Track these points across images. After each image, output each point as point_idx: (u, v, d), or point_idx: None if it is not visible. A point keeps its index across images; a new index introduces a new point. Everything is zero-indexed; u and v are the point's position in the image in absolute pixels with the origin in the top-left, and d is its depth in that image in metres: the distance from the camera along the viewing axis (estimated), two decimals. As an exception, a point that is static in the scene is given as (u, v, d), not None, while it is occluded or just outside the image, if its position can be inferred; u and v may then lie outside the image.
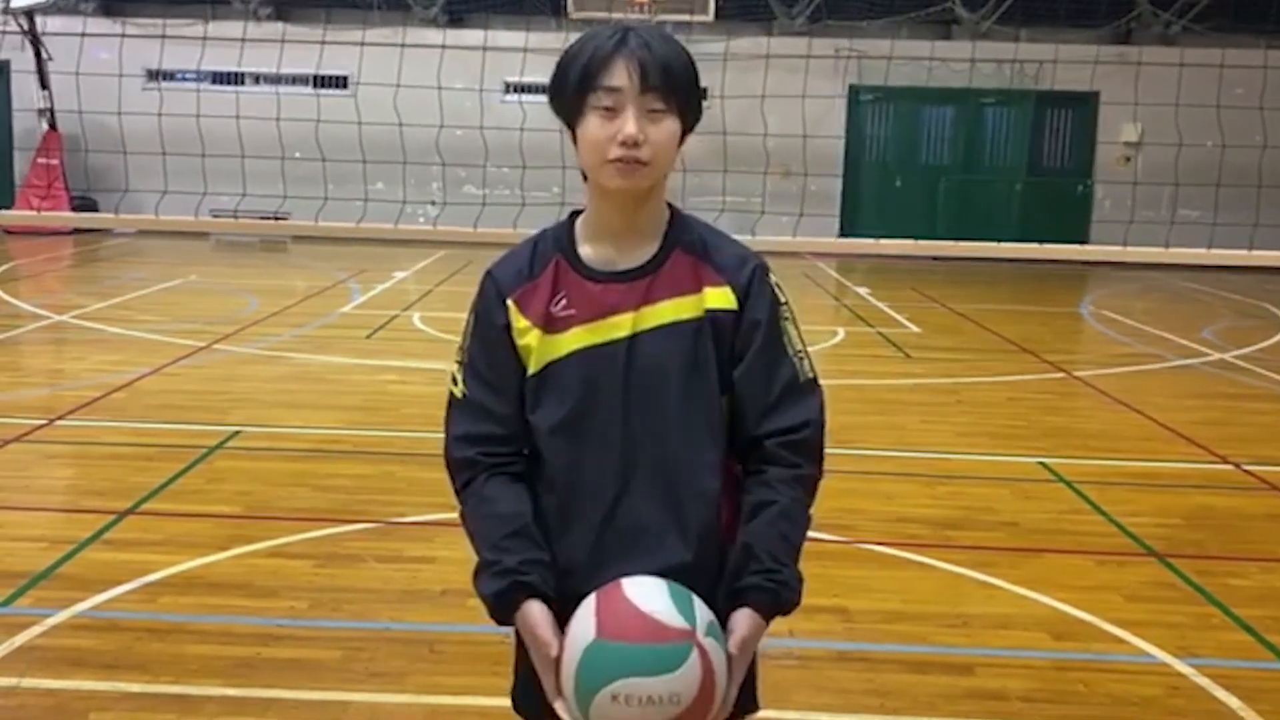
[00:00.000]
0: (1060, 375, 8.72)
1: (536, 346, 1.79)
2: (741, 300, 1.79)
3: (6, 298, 11.11)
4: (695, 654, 1.59)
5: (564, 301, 1.79)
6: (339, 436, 6.36)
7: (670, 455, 1.77)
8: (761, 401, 1.78)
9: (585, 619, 1.63)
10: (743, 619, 1.71)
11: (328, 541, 4.68)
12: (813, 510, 1.82)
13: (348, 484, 5.41)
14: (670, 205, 1.85)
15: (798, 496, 1.78)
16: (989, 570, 4.52)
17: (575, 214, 1.87)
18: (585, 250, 1.82)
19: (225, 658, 3.61)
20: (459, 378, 1.85)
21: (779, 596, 1.73)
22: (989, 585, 4.40)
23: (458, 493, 1.85)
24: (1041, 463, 6.16)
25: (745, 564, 1.73)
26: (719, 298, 1.78)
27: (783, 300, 1.83)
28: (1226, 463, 6.31)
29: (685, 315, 1.78)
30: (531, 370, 1.80)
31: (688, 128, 1.78)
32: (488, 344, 1.82)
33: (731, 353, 1.79)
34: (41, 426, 6.31)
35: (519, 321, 1.80)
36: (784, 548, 1.74)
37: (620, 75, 1.70)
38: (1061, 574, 4.55)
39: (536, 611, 1.70)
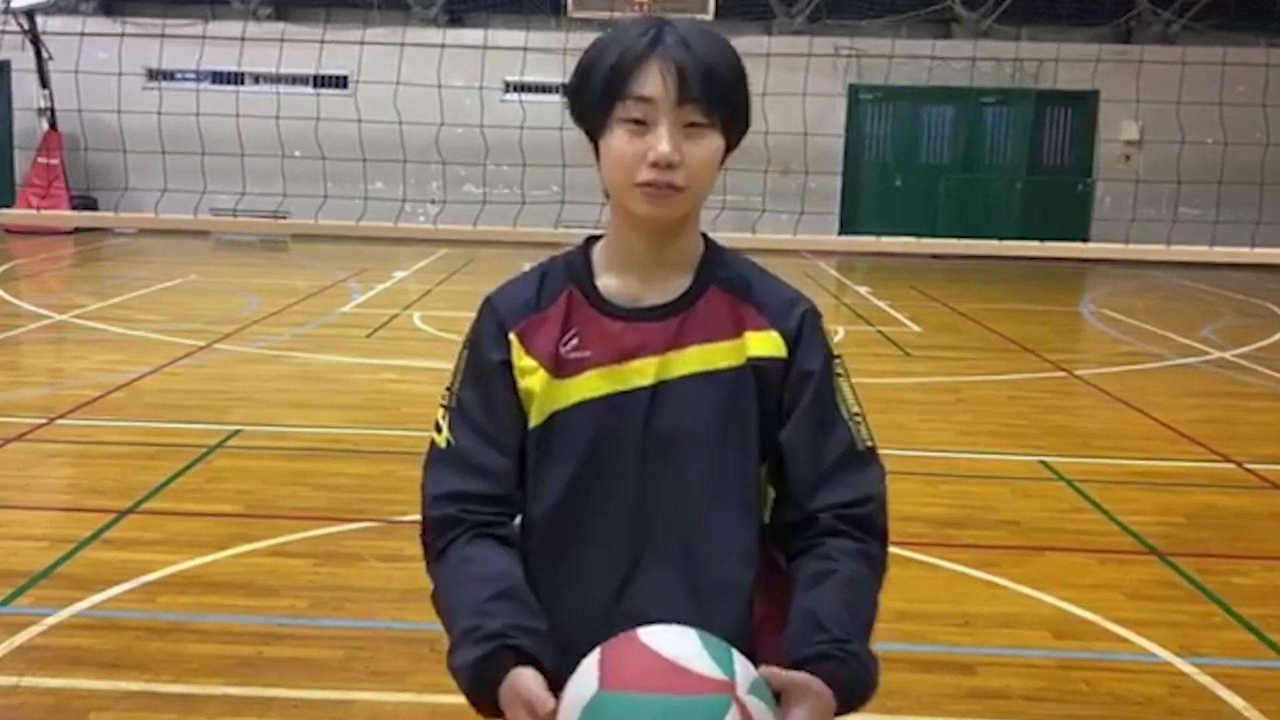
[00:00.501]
0: (1061, 374, 8.72)
1: (541, 392, 1.50)
2: (791, 347, 1.51)
3: (7, 297, 11.10)
4: (735, 712, 1.21)
5: (576, 340, 1.50)
6: (339, 435, 6.35)
7: (693, 535, 1.48)
8: (813, 471, 1.49)
9: (586, 673, 1.28)
10: (808, 707, 1.34)
11: (328, 540, 4.67)
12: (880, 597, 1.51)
13: (348, 483, 5.41)
14: (706, 236, 1.58)
15: (862, 571, 1.46)
16: (991, 569, 4.52)
17: (592, 239, 1.59)
18: (604, 282, 1.53)
19: (226, 657, 3.61)
20: (444, 424, 1.54)
21: (850, 669, 1.37)
22: (991, 584, 4.40)
23: (430, 564, 1.54)
24: (1043, 461, 6.15)
25: (808, 632, 1.39)
26: (764, 343, 1.51)
27: (836, 354, 1.55)
28: (1228, 461, 6.31)
29: (721, 364, 1.50)
30: (533, 422, 1.51)
31: (732, 143, 1.50)
32: (483, 383, 1.53)
33: (779, 409, 1.51)
34: (42, 425, 6.31)
35: (521, 359, 1.51)
36: (853, 622, 1.41)
37: (654, 83, 1.42)
38: (1063, 573, 4.54)
39: (528, 675, 1.35)
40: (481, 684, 1.37)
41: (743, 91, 1.49)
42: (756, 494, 1.52)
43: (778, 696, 1.31)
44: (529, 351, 1.51)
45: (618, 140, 1.45)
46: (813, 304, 1.56)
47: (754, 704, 1.23)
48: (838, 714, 1.36)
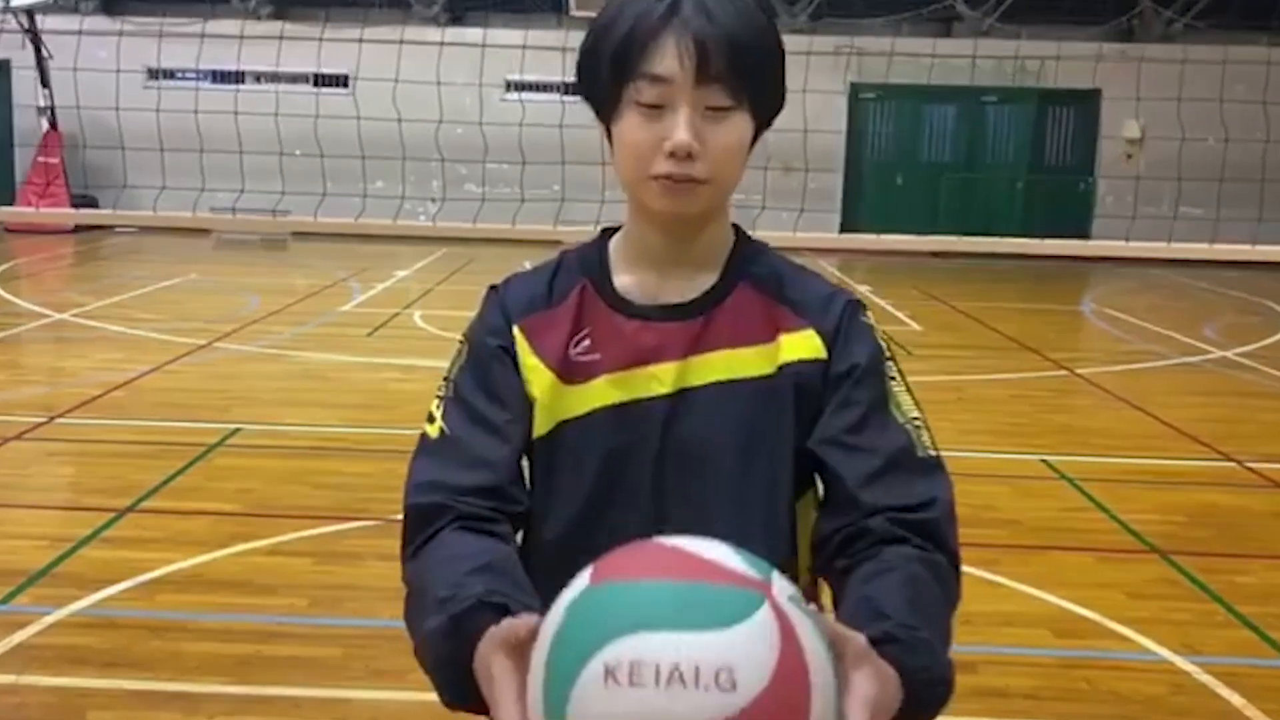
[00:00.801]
0: (1063, 373, 8.71)
1: (546, 399, 1.33)
2: (830, 345, 1.32)
3: (7, 296, 11.10)
4: (768, 612, 0.89)
5: (587, 342, 1.33)
6: (340, 434, 6.35)
7: None
8: (860, 469, 1.26)
9: (575, 580, 0.97)
10: (869, 674, 0.98)
11: (328, 539, 4.66)
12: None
13: (348, 481, 5.40)
14: (737, 229, 1.39)
15: (926, 576, 1.18)
16: (992, 568, 4.51)
17: (608, 231, 1.42)
18: (621, 279, 1.36)
19: (225, 655, 3.60)
20: (437, 414, 1.34)
21: (920, 657, 1.07)
22: (992, 583, 4.39)
23: (405, 565, 1.26)
24: (1044, 460, 6.14)
25: (865, 618, 1.09)
26: (800, 345, 1.32)
27: (888, 354, 1.34)
28: (1229, 460, 6.30)
29: (750, 372, 1.31)
30: (539, 431, 1.33)
31: (764, 122, 1.31)
32: (482, 368, 1.34)
33: (819, 419, 1.31)
34: (41, 424, 6.30)
35: (527, 357, 1.34)
36: (916, 616, 1.11)
37: (669, 60, 1.22)
38: (1064, 571, 4.54)
39: (510, 618, 1.04)
40: (453, 648, 1.08)
41: (775, 64, 1.29)
42: (788, 521, 1.32)
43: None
44: (534, 350, 1.34)
45: (629, 126, 1.26)
46: (855, 297, 1.36)
47: (795, 614, 0.91)
48: (906, 715, 1.03)
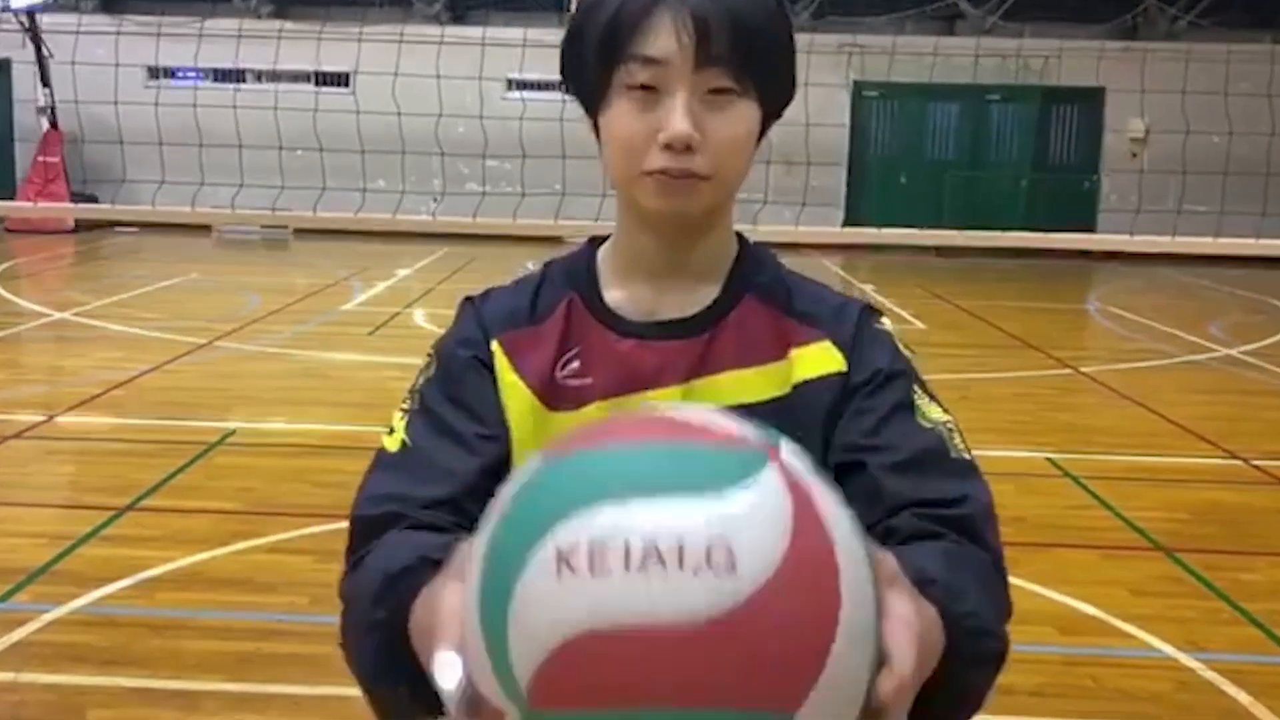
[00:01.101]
0: (1067, 371, 8.68)
1: (525, 427, 1.16)
2: (848, 355, 1.18)
3: (7, 295, 11.09)
4: (775, 473, 0.71)
5: (576, 364, 1.18)
6: (341, 433, 6.33)
7: None
8: (883, 460, 1.12)
9: (527, 462, 0.77)
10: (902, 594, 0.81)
11: (329, 537, 4.64)
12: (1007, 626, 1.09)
13: (349, 480, 5.29)
14: (740, 235, 1.25)
15: (959, 562, 1.04)
16: (996, 565, 4.49)
17: (596, 241, 1.27)
18: (612, 294, 1.21)
19: (225, 653, 3.59)
20: (399, 426, 1.19)
21: (961, 606, 0.96)
22: (996, 580, 4.37)
23: (344, 581, 1.10)
24: (1049, 458, 6.12)
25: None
26: (816, 359, 1.18)
27: (910, 363, 1.22)
28: (1235, 458, 6.27)
29: (760, 395, 1.16)
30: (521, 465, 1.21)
31: (774, 111, 1.16)
32: (452, 378, 1.19)
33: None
34: (41, 423, 6.29)
35: (506, 374, 1.19)
36: (953, 579, 0.99)
37: (664, 39, 1.08)
38: (1069, 569, 4.51)
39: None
40: (386, 612, 0.95)
41: (784, 45, 1.14)
42: None
43: None
44: (515, 368, 1.19)
45: (620, 115, 1.11)
46: (867, 302, 1.24)
47: (812, 482, 0.72)
48: (949, 677, 0.90)
